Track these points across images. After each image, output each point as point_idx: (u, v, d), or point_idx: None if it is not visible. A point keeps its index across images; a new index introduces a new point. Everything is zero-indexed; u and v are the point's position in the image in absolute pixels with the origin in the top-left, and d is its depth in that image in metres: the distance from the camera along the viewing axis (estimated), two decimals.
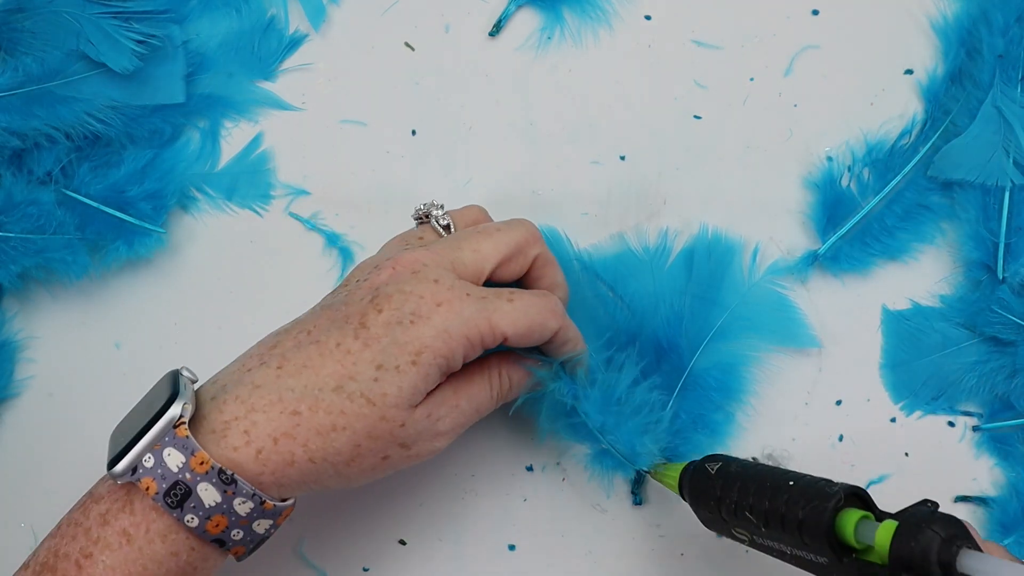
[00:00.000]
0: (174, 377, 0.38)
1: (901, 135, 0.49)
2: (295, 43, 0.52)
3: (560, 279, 0.44)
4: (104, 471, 0.36)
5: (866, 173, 0.49)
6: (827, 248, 0.48)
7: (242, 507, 0.35)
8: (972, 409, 0.48)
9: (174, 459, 0.35)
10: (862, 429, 0.48)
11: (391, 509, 0.48)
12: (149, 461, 0.35)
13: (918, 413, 0.48)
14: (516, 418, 0.48)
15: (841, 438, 0.48)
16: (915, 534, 0.32)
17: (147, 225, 0.49)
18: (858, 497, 0.36)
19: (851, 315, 0.48)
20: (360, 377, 0.36)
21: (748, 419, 0.48)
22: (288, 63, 0.51)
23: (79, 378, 0.50)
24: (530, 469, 0.48)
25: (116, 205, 0.49)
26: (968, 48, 0.48)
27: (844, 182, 0.49)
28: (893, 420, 0.48)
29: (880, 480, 0.47)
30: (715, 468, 0.40)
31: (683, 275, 0.48)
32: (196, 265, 0.50)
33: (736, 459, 0.40)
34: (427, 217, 0.43)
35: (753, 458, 0.47)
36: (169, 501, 0.35)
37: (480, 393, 0.40)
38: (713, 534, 0.47)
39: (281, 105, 0.51)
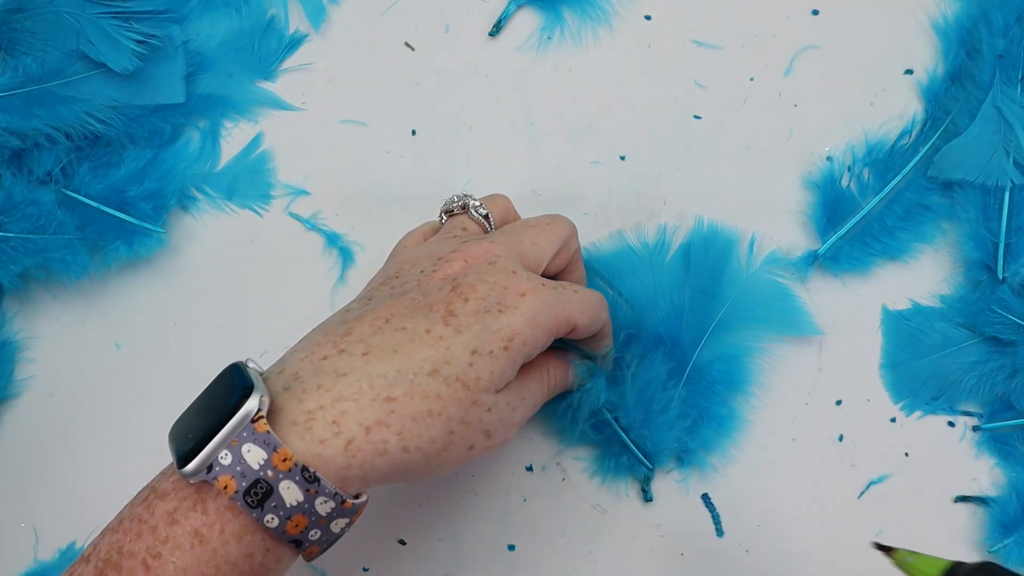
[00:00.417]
0: (238, 369, 0.36)
1: (901, 135, 0.49)
2: (295, 43, 0.52)
3: (584, 273, 0.46)
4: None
5: (866, 173, 0.49)
6: (827, 248, 0.48)
7: (323, 507, 0.34)
8: (972, 409, 0.48)
9: (255, 456, 0.33)
10: (862, 429, 0.48)
11: (391, 509, 0.48)
12: (226, 458, 0.33)
13: (918, 413, 0.48)
14: None
15: (841, 438, 0.48)
16: None
17: (147, 225, 0.49)
18: None
19: (851, 315, 0.48)
20: (455, 361, 0.36)
21: (748, 419, 0.48)
22: (288, 63, 0.51)
23: (79, 378, 0.50)
24: (530, 469, 0.48)
25: (116, 205, 0.49)
26: (968, 48, 0.48)
27: (844, 182, 0.49)
28: (893, 420, 0.48)
29: (880, 480, 0.47)
30: None
31: (682, 270, 0.48)
32: (196, 265, 0.50)
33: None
34: (463, 208, 0.44)
35: None
36: (249, 500, 0.33)
37: (537, 388, 0.41)
38: (713, 534, 0.47)
39: (281, 105, 0.51)
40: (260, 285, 0.50)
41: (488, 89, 0.51)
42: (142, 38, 0.47)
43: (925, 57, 0.50)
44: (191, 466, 0.33)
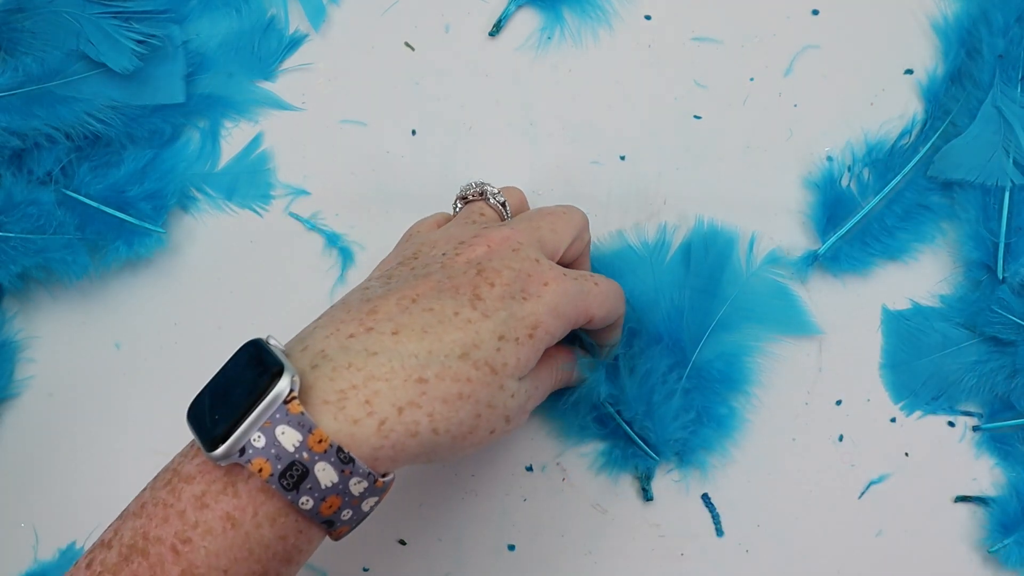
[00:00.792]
0: (262, 347, 0.35)
1: (901, 135, 0.49)
2: (295, 43, 0.52)
3: (590, 266, 0.46)
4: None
5: (866, 173, 0.49)
6: (827, 248, 0.48)
7: (357, 487, 0.33)
8: (972, 409, 0.48)
9: (289, 438, 0.32)
10: (862, 429, 0.48)
11: (391, 509, 0.48)
12: (259, 440, 0.32)
13: (918, 413, 0.48)
14: None
15: (841, 438, 0.48)
16: None
17: (147, 225, 0.49)
18: None
19: (851, 315, 0.48)
20: (484, 345, 0.36)
21: (748, 419, 0.48)
22: (288, 63, 0.51)
23: (79, 378, 0.50)
24: (530, 469, 0.48)
25: (116, 205, 0.49)
26: (968, 48, 0.48)
27: (844, 182, 0.49)
28: (893, 420, 0.48)
29: (880, 480, 0.47)
30: None
31: (682, 269, 0.48)
32: (196, 265, 0.50)
33: None
34: (481, 195, 0.44)
35: None
36: (284, 483, 0.32)
37: (548, 378, 0.41)
38: (713, 534, 0.48)
39: (281, 105, 0.51)
40: (260, 285, 0.50)
41: (488, 89, 0.51)
42: (142, 38, 0.47)
43: (925, 57, 0.50)
44: (222, 449, 0.32)
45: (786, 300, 0.48)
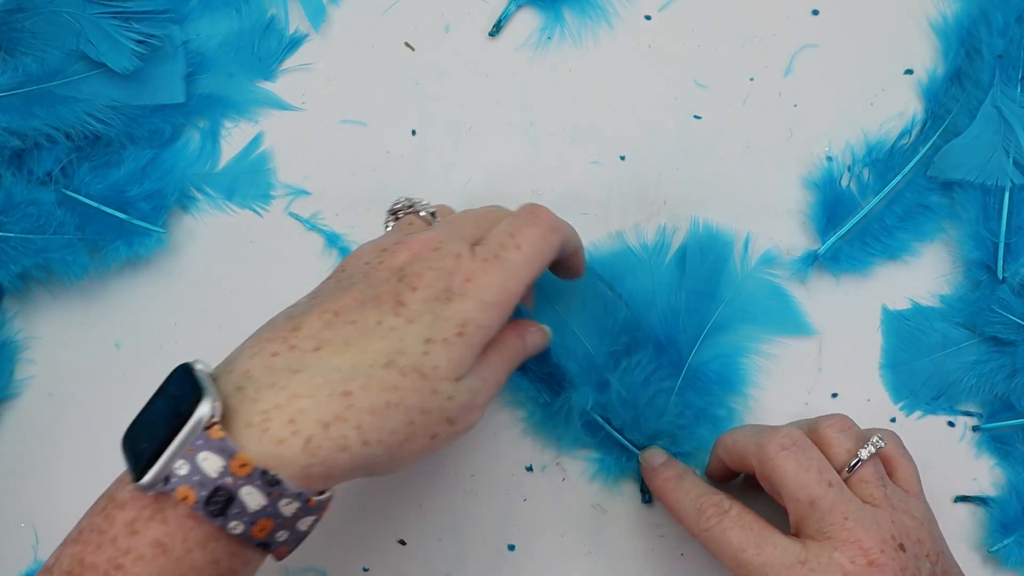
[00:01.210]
0: (188, 371, 0.35)
1: (901, 135, 0.49)
2: (295, 43, 0.52)
3: (582, 261, 0.44)
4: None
5: (866, 173, 0.49)
6: (827, 248, 0.48)
7: (288, 508, 0.33)
8: (972, 409, 0.48)
9: (212, 464, 0.32)
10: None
11: (391, 509, 0.48)
12: (183, 468, 0.32)
13: (918, 413, 0.48)
14: (515, 418, 0.48)
15: None
16: None
17: (147, 225, 0.49)
18: None
19: (851, 315, 0.48)
20: (410, 351, 0.35)
21: (748, 420, 0.48)
22: (288, 63, 0.51)
23: (79, 378, 0.50)
24: (530, 469, 0.48)
25: (116, 205, 0.49)
26: (968, 48, 0.48)
27: (844, 182, 0.49)
28: (893, 420, 0.48)
29: None
30: None
31: (679, 270, 0.48)
32: (196, 265, 0.50)
33: None
34: (410, 207, 0.43)
35: None
36: (211, 509, 0.32)
37: (498, 365, 0.40)
38: None
39: (281, 105, 0.51)
40: (260, 285, 0.50)
41: (488, 89, 0.51)
42: (142, 38, 0.47)
43: (925, 57, 0.50)
44: (147, 479, 0.32)
45: (781, 300, 0.48)
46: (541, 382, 0.48)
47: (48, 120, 0.47)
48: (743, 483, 0.46)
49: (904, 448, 0.43)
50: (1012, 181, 0.47)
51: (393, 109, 0.51)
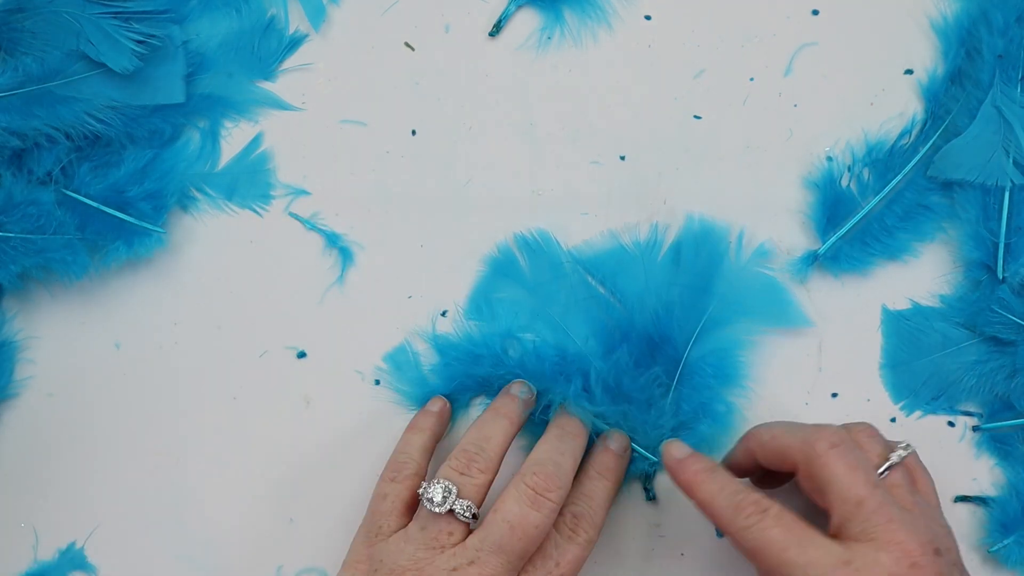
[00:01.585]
0: None
1: (901, 135, 0.49)
2: (295, 43, 0.52)
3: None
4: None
5: (866, 173, 0.49)
6: (827, 248, 0.48)
7: None
8: (972, 409, 0.48)
9: None
10: None
11: None
12: None
13: (918, 413, 0.48)
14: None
15: None
16: None
17: (147, 225, 0.49)
18: None
19: (851, 315, 0.48)
20: None
21: (748, 420, 0.48)
22: (288, 63, 0.51)
23: (79, 378, 0.50)
24: None
25: (116, 205, 0.49)
26: (968, 48, 0.48)
27: (844, 182, 0.49)
28: (893, 420, 0.48)
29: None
30: None
31: (674, 266, 0.48)
32: (196, 265, 0.50)
33: None
34: (450, 512, 0.42)
35: None
36: None
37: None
38: (713, 534, 0.47)
39: (281, 105, 0.51)
40: (260, 285, 0.50)
41: (488, 89, 0.51)
42: (142, 38, 0.47)
43: (925, 57, 0.50)
44: None
45: (775, 293, 0.48)
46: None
47: (48, 120, 0.47)
48: (757, 481, 0.45)
49: (922, 462, 0.43)
50: (1012, 181, 0.47)
51: (393, 109, 0.51)
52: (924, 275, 0.49)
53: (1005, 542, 0.46)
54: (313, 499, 0.48)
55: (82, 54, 0.47)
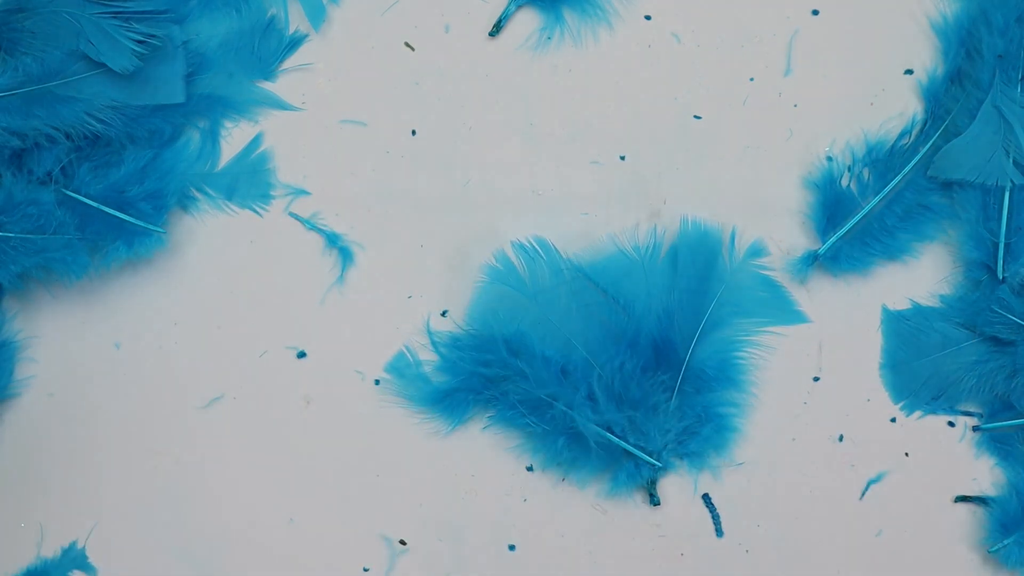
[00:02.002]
0: None
1: (901, 135, 0.49)
2: (295, 43, 0.52)
3: None
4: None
5: (866, 173, 0.49)
6: (827, 248, 0.48)
7: None
8: (972, 409, 0.48)
9: None
10: (862, 429, 0.48)
11: (391, 509, 0.48)
12: None
13: (918, 413, 0.48)
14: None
15: (841, 438, 0.48)
16: None
17: (147, 225, 0.49)
18: None
19: (851, 315, 0.48)
20: None
21: (748, 419, 0.48)
22: (288, 63, 0.51)
23: (79, 378, 0.50)
24: (530, 469, 0.48)
25: (116, 205, 0.49)
26: (968, 48, 0.48)
27: (844, 182, 0.49)
28: (893, 420, 0.48)
29: (880, 480, 0.47)
30: None
31: (672, 270, 0.48)
32: (196, 265, 0.50)
33: None
34: None
35: None
36: None
37: None
38: (713, 534, 0.48)
39: (281, 105, 0.51)
40: (260, 285, 0.50)
41: (488, 89, 0.51)
42: (142, 38, 0.47)
43: (925, 57, 0.50)
44: None
45: (771, 290, 0.48)
46: (533, 413, 0.47)
47: (48, 120, 0.47)
48: None
49: None
50: (1012, 181, 0.47)
51: (393, 109, 0.51)
52: (924, 275, 0.49)
53: (1005, 542, 0.46)
54: (313, 499, 0.49)
55: (82, 54, 0.47)
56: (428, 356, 0.49)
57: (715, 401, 0.47)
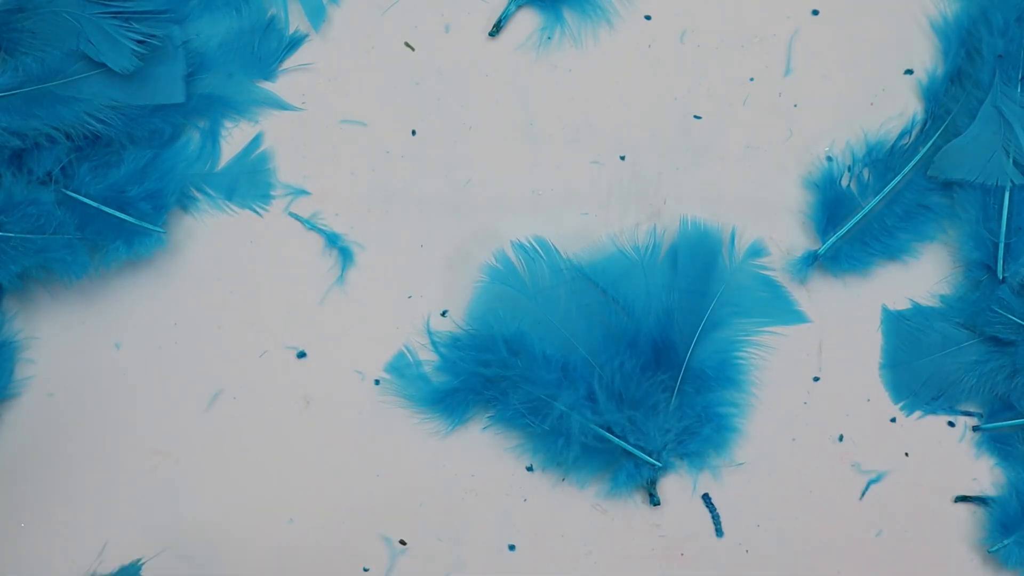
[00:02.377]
0: None
1: (901, 135, 0.49)
2: (295, 43, 0.52)
3: None
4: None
5: (866, 173, 0.49)
6: (827, 248, 0.48)
7: None
8: (972, 409, 0.48)
9: None
10: (862, 429, 0.48)
11: (391, 509, 0.48)
12: None
13: (918, 413, 0.48)
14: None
15: (841, 438, 0.48)
16: None
17: (147, 225, 0.49)
18: None
19: (851, 315, 0.48)
20: None
21: (748, 419, 0.48)
22: (288, 63, 0.51)
23: (79, 378, 0.50)
24: (530, 469, 0.48)
25: (116, 205, 0.49)
26: (968, 48, 0.48)
27: (844, 182, 0.49)
28: (893, 420, 0.48)
29: (880, 480, 0.47)
30: None
31: (672, 270, 0.48)
32: (196, 265, 0.50)
33: None
34: None
35: None
36: None
37: None
38: (713, 534, 0.48)
39: (281, 105, 0.51)
40: (260, 285, 0.50)
41: (488, 89, 0.51)
42: (142, 38, 0.47)
43: (925, 57, 0.50)
44: None
45: (771, 290, 0.48)
46: (533, 413, 0.47)
47: (48, 120, 0.47)
48: None
49: None
50: (1012, 181, 0.47)
51: (393, 109, 0.51)
52: (924, 275, 0.49)
53: (1005, 542, 0.46)
54: (313, 499, 0.49)
55: (82, 54, 0.47)
56: (428, 356, 0.49)
57: (715, 401, 0.47)
